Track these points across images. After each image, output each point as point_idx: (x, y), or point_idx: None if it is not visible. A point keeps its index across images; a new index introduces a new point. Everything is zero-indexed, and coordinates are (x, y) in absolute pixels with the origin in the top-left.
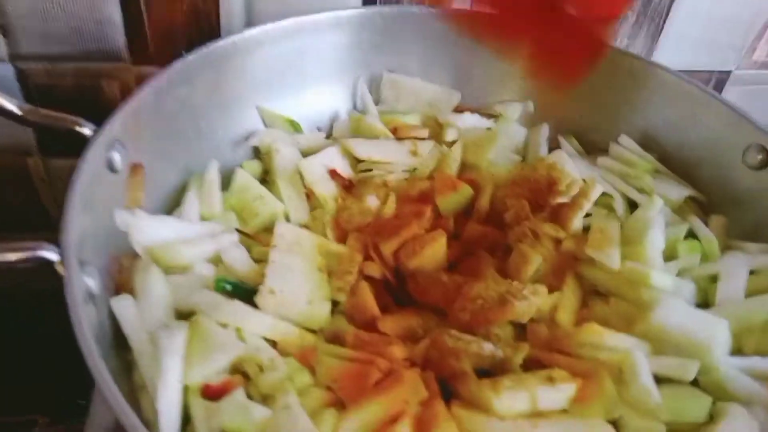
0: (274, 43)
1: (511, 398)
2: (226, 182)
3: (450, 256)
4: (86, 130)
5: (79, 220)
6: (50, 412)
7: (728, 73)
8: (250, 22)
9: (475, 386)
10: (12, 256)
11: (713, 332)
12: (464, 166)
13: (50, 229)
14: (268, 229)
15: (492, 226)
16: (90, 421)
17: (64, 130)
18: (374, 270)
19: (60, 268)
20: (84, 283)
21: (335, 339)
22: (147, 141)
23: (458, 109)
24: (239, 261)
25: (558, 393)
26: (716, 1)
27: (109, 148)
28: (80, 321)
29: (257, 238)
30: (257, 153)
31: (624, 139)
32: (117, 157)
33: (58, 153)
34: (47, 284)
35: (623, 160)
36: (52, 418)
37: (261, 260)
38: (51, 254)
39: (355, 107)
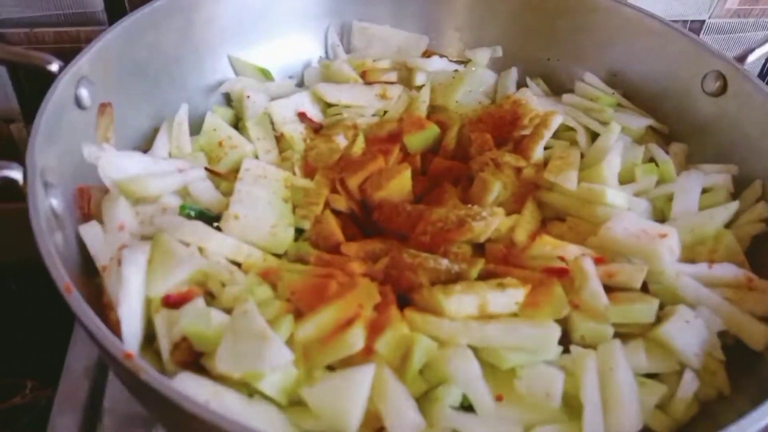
0: None
1: (461, 301)
2: (198, 128)
3: (417, 190)
4: (54, 67)
5: (44, 147)
6: (38, 375)
7: (702, 22)
8: None
9: (427, 292)
10: None
11: (661, 239)
12: (433, 109)
13: None
14: (237, 169)
15: (458, 161)
16: (68, 357)
17: (31, 66)
18: (340, 203)
19: (24, 188)
20: (48, 202)
21: (299, 261)
22: (117, 82)
23: (427, 54)
24: (206, 193)
25: (507, 297)
26: None
27: (77, 84)
28: (41, 228)
29: (225, 176)
30: (229, 101)
31: (588, 77)
32: (85, 94)
33: None
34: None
35: (587, 96)
36: (40, 382)
37: (228, 194)
38: (16, 173)
39: (326, 56)
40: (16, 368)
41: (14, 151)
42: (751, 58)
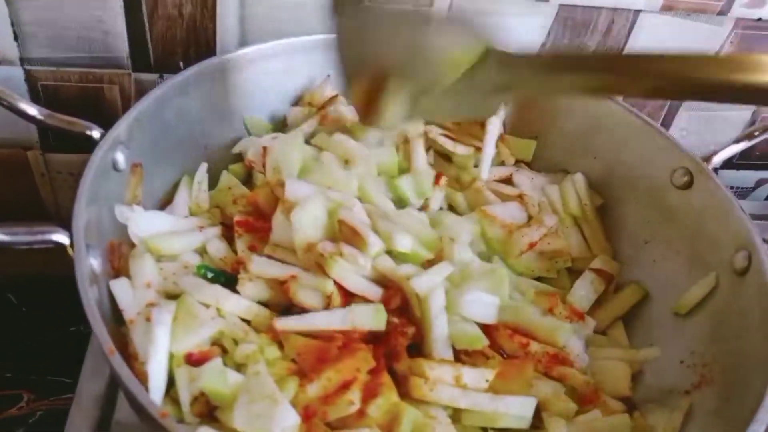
0: (265, 61)
1: (440, 369)
2: (215, 181)
3: None
4: (95, 134)
5: (86, 210)
6: (35, 388)
7: None
8: (243, 39)
9: (411, 361)
10: (29, 238)
11: None
12: None
13: (45, 218)
14: None
15: None
16: (78, 393)
17: (76, 133)
18: None
19: (70, 251)
20: (90, 263)
21: None
22: (147, 144)
23: None
24: (221, 251)
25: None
26: (673, 33)
27: (114, 149)
28: (87, 295)
29: (238, 232)
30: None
31: (578, 178)
32: (120, 158)
33: (57, 148)
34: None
35: (563, 196)
36: (37, 395)
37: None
38: (63, 237)
39: None
40: (14, 381)
41: (30, 179)
42: (716, 159)
